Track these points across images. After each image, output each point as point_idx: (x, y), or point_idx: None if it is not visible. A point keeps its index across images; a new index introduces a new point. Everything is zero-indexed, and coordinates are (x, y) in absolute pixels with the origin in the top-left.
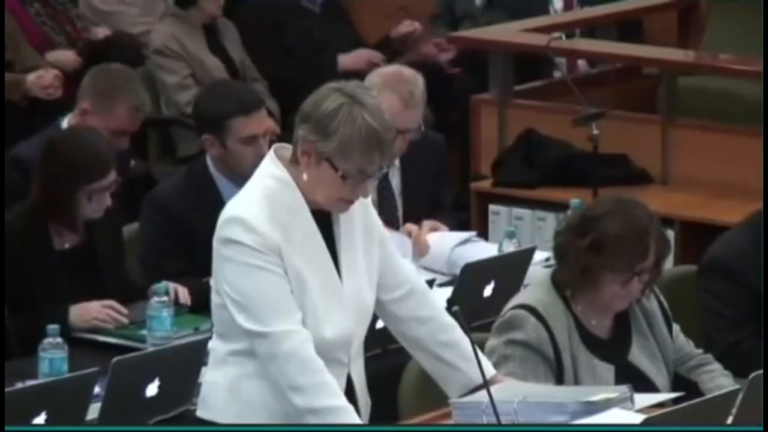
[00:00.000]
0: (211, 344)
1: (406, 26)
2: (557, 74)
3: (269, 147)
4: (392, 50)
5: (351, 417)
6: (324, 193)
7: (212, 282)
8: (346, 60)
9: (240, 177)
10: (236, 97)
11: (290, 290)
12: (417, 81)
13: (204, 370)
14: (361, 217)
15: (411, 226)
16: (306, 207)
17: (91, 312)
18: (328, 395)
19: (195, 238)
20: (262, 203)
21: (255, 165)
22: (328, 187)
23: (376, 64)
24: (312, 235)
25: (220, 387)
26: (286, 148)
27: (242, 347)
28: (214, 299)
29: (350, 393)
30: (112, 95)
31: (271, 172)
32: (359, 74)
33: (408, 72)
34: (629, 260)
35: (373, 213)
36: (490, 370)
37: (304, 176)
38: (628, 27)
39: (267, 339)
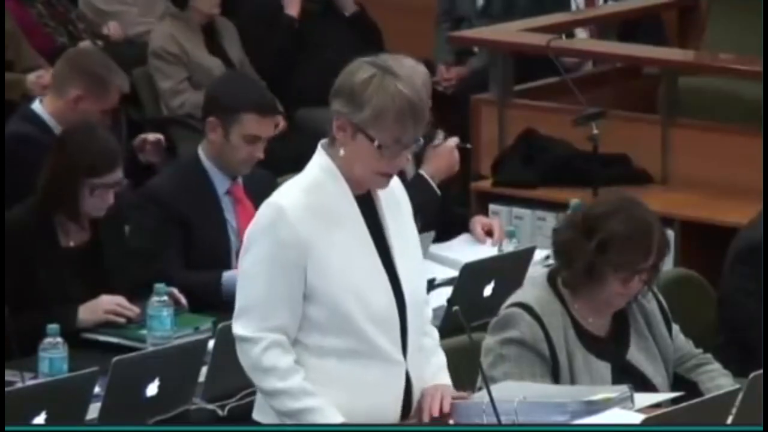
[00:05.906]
0: None
1: None
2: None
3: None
4: None
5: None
6: (362, 167)
7: None
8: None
9: (229, 168)
10: (258, 94)
11: (296, 294)
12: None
13: (204, 369)
14: (408, 215)
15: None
16: (350, 195)
17: (102, 305)
18: (291, 400)
19: (189, 226)
20: (304, 192)
21: (245, 163)
22: (365, 160)
23: None
24: (356, 225)
25: None
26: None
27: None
28: None
29: (408, 395)
30: (106, 77)
31: (318, 162)
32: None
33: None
34: (633, 259)
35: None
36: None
37: (341, 152)
38: (647, 26)
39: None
